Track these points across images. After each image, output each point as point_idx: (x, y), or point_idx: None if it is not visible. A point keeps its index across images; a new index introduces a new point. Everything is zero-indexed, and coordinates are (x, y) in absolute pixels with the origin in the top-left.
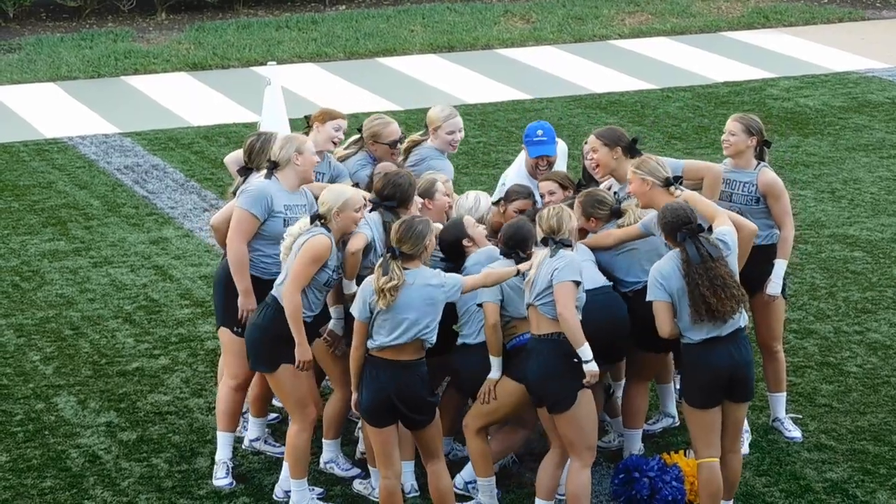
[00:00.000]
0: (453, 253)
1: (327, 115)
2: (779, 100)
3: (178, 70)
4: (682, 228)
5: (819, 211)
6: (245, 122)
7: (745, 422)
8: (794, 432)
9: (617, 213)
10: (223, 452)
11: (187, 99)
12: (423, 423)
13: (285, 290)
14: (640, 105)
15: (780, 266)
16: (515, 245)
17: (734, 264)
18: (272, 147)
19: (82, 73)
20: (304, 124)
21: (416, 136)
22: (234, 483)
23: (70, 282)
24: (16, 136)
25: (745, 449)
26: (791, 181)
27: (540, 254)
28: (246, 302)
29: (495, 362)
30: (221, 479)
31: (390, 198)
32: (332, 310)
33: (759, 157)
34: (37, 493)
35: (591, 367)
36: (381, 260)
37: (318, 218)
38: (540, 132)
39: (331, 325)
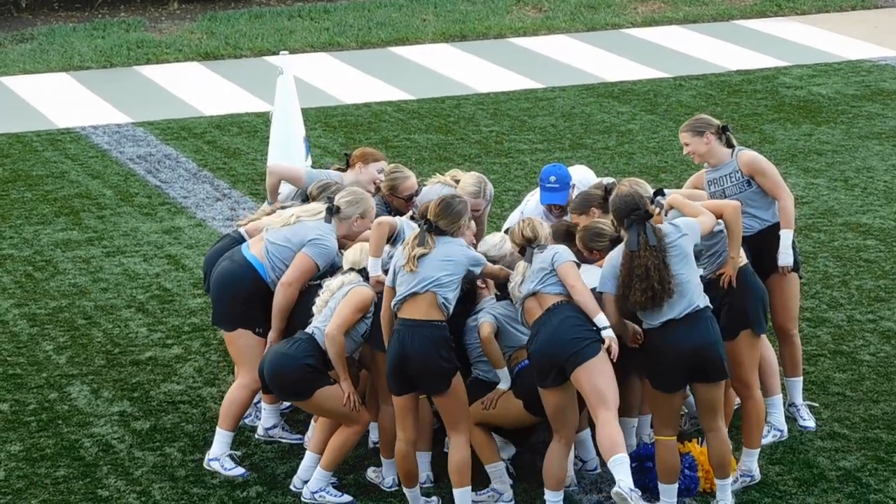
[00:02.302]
0: (465, 295)
1: (370, 157)
2: (791, 88)
3: (190, 60)
4: (631, 215)
5: (832, 199)
6: (257, 112)
7: (781, 416)
8: (809, 421)
9: (616, 241)
10: (224, 449)
11: (200, 88)
12: (435, 389)
13: (331, 331)
14: (652, 94)
15: (785, 236)
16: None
17: (686, 246)
18: (341, 194)
19: (95, 63)
20: (343, 161)
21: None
22: (248, 473)
23: (83, 271)
24: (29, 126)
25: (768, 440)
26: (804, 169)
27: (521, 264)
28: (276, 339)
29: (502, 374)
30: (233, 469)
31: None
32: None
33: (729, 144)
34: (50, 483)
35: (609, 333)
36: (417, 231)
37: (359, 272)
38: (553, 179)
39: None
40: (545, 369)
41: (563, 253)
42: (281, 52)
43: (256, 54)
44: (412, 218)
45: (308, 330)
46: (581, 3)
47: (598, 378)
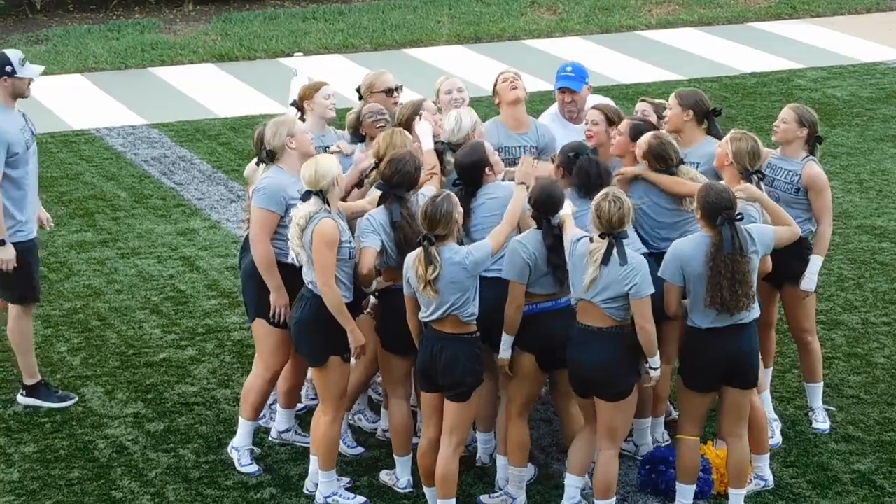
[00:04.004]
0: (470, 178)
1: (311, 90)
2: (806, 90)
3: (204, 61)
4: (724, 212)
5: (847, 202)
6: (272, 114)
7: (773, 411)
8: (823, 424)
9: (670, 175)
10: (246, 440)
11: (214, 90)
12: (457, 398)
13: (321, 287)
14: (666, 96)
15: (815, 262)
16: (547, 211)
17: (756, 263)
18: (265, 135)
19: (109, 65)
20: (296, 111)
21: None
22: (261, 470)
23: (97, 273)
24: (43, 127)
25: (776, 439)
26: None
27: (600, 249)
28: (278, 297)
29: (506, 341)
30: (248, 465)
31: (399, 185)
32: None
33: (811, 152)
34: (64, 484)
35: (657, 374)
36: (420, 251)
37: (316, 194)
38: (569, 69)
39: (372, 300)
40: (578, 382)
41: (642, 284)
42: (295, 54)
43: (271, 56)
44: (381, 191)
45: (308, 285)
46: (596, 5)
47: (619, 416)
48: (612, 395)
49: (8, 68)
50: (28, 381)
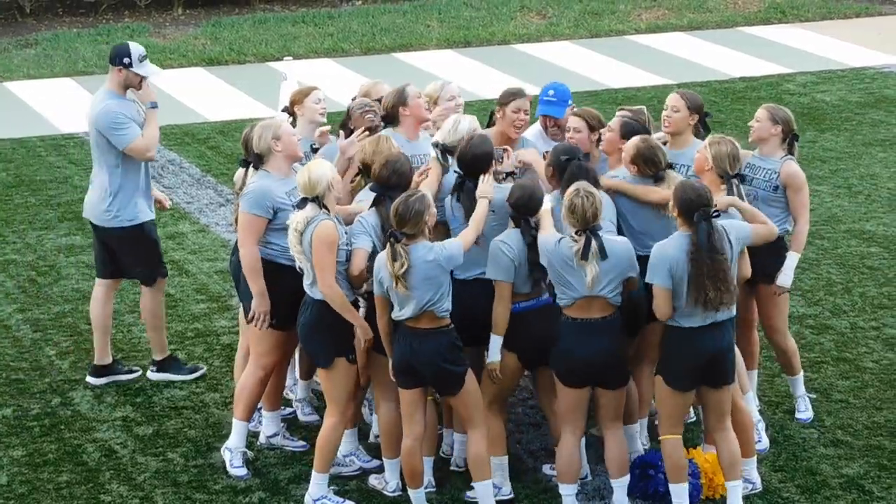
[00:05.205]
0: (473, 168)
1: (301, 94)
2: (795, 95)
3: (194, 65)
4: (701, 209)
5: (835, 206)
6: (261, 118)
7: (757, 412)
8: (803, 413)
9: (659, 179)
10: (240, 441)
11: (203, 94)
12: (448, 391)
13: (322, 287)
14: (656, 100)
15: (792, 258)
16: (527, 212)
17: (733, 261)
18: (251, 140)
19: (98, 68)
20: (287, 117)
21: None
22: (250, 474)
23: (86, 276)
24: (32, 130)
25: (763, 443)
26: (808, 176)
27: (580, 245)
28: (260, 303)
29: (496, 342)
30: (238, 468)
31: (395, 186)
32: (360, 300)
33: (789, 151)
34: (53, 488)
35: None
36: (388, 248)
37: (313, 201)
38: (551, 92)
39: (361, 313)
40: (576, 373)
41: (636, 264)
42: (285, 58)
43: (260, 60)
44: (376, 193)
45: (308, 292)
46: (585, 10)
47: (619, 401)
48: (617, 382)
49: (126, 59)
50: (158, 357)
